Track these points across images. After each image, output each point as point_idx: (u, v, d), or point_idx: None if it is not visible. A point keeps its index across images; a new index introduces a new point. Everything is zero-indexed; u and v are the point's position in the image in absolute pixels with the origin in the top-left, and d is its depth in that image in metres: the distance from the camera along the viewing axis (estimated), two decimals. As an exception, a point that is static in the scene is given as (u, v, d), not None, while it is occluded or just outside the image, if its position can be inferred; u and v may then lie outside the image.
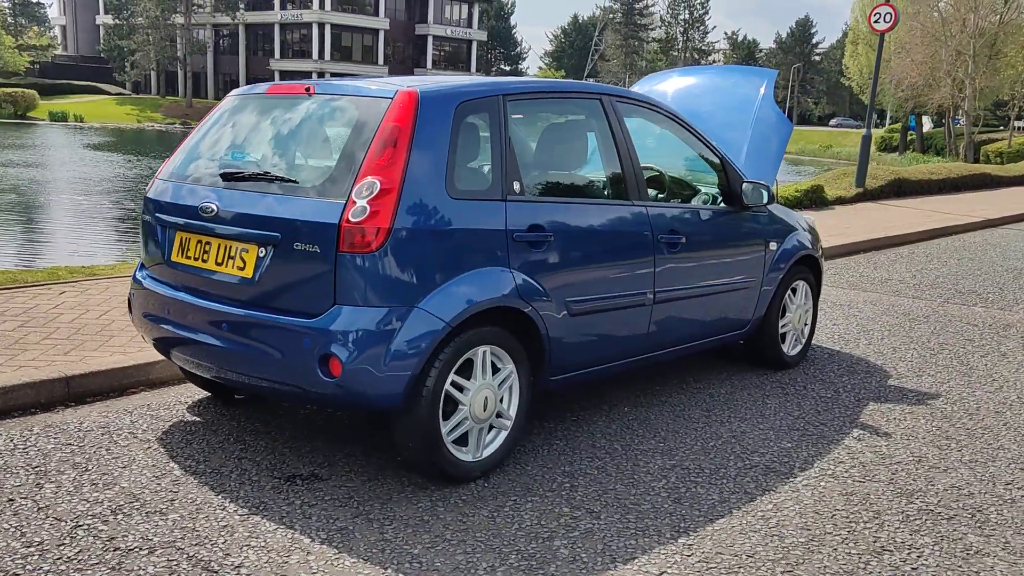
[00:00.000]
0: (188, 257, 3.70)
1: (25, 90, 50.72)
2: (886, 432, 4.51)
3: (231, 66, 67.89)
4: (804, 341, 5.73)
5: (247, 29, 67.31)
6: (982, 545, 3.33)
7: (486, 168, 3.70)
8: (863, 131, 17.57)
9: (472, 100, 3.71)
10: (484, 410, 3.62)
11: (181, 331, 3.69)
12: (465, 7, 75.87)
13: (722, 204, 5.03)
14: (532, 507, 3.45)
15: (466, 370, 3.58)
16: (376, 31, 68.12)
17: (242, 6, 64.90)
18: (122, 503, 3.28)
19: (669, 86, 6.27)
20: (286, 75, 64.65)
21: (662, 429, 4.39)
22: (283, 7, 66.14)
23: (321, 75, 63.14)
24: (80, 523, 3.11)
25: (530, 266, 3.74)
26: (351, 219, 3.25)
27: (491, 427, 3.74)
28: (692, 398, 4.91)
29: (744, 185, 4.96)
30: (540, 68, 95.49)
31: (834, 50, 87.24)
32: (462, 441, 3.62)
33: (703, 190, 5.13)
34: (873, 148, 40.58)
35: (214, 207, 3.59)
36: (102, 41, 66.61)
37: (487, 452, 3.70)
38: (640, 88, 6.38)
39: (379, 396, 3.34)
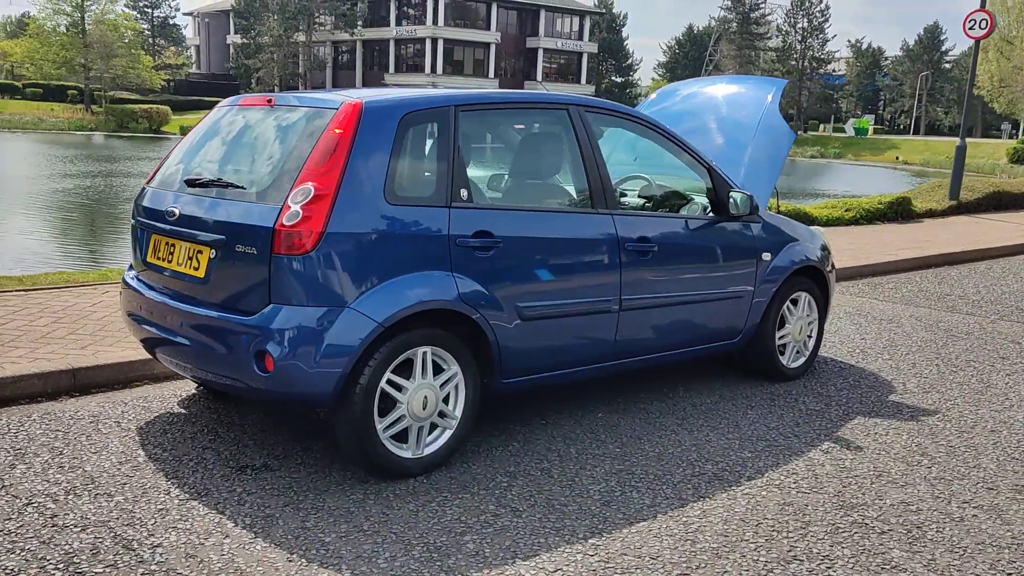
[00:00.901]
0: (159, 258, 4.00)
1: (159, 106, 53.84)
2: (858, 446, 4.42)
3: (349, 81, 70.22)
4: (808, 354, 5.64)
5: (364, 45, 69.60)
6: (903, 561, 3.26)
7: (430, 176, 3.86)
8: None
9: (419, 111, 3.88)
10: (424, 409, 3.78)
11: (157, 330, 3.98)
12: (576, 20, 76.21)
13: (710, 213, 5.03)
14: (459, 504, 3.58)
15: (407, 369, 3.75)
16: (487, 45, 69.22)
17: (360, 23, 67.15)
18: (78, 485, 3.58)
19: (680, 95, 6.29)
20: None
21: (626, 435, 4.44)
22: (398, 23, 68.06)
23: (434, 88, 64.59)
24: (32, 501, 3.42)
25: (476, 271, 3.87)
26: (285, 223, 3.47)
27: (435, 426, 3.88)
28: (672, 406, 4.92)
29: (731, 194, 4.94)
30: (653, 79, 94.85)
31: (965, 57, 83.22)
32: (402, 438, 3.78)
33: (696, 200, 5.14)
34: (1004, 159, 38.55)
35: (177, 211, 3.88)
36: (231, 60, 70.18)
37: (429, 450, 3.85)
38: (655, 98, 6.42)
39: (310, 392, 3.54)
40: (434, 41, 66.36)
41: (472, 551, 3.20)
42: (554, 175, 4.59)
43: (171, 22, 76.76)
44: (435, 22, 66.25)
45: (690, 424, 4.65)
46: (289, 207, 3.49)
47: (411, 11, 68.49)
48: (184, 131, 53.67)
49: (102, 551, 3.07)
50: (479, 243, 3.89)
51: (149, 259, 4.08)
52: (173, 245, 3.91)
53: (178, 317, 3.82)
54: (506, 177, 4.33)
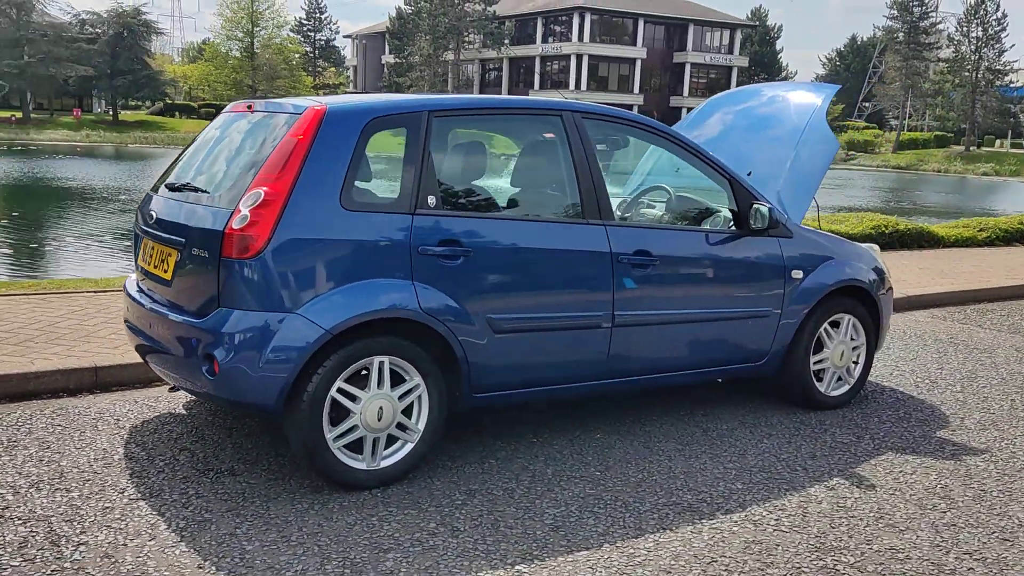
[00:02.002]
0: (145, 261, 4.11)
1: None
2: (872, 485, 4.01)
3: (495, 98, 71.51)
4: (852, 381, 5.19)
5: (511, 63, 70.63)
6: (859, 615, 2.91)
7: (395, 182, 3.79)
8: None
9: (386, 116, 3.82)
10: (379, 420, 3.69)
11: (143, 337, 4.05)
12: (727, 33, 74.57)
13: (733, 227, 4.72)
14: (400, 520, 3.47)
15: (366, 378, 3.68)
16: (633, 60, 68.75)
17: (507, 41, 68.21)
18: (46, 479, 3.69)
19: (730, 102, 5.97)
20: (545, 106, 67.02)
21: (615, 458, 4.20)
22: (544, 40, 68.70)
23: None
24: (-5, 492, 3.57)
25: (440, 280, 3.76)
26: (234, 226, 3.47)
27: (394, 439, 3.79)
28: (680, 430, 4.63)
29: (754, 206, 4.62)
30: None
31: None
32: (357, 448, 3.71)
33: (722, 213, 4.83)
34: None
35: (154, 214, 3.98)
36: (383, 79, 72.90)
37: (386, 463, 3.76)
38: (704, 108, 6.11)
39: (254, 398, 3.53)
40: (579, 57, 66.54)
41: (388, 569, 3.09)
42: (542, 184, 4.42)
43: (332, 44, 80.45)
44: (580, 38, 66.44)
45: (691, 450, 4.36)
46: (239, 211, 3.50)
47: (557, 28, 69.01)
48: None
49: (29, 545, 3.14)
50: (445, 252, 3.78)
51: (139, 261, 4.20)
52: (152, 248, 4.01)
53: (152, 320, 3.90)
54: (480, 185, 4.19)
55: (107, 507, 3.47)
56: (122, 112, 57.97)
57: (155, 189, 4.27)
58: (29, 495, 3.54)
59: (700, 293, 4.57)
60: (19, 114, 51.84)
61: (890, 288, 5.38)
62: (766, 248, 4.76)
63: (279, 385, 3.49)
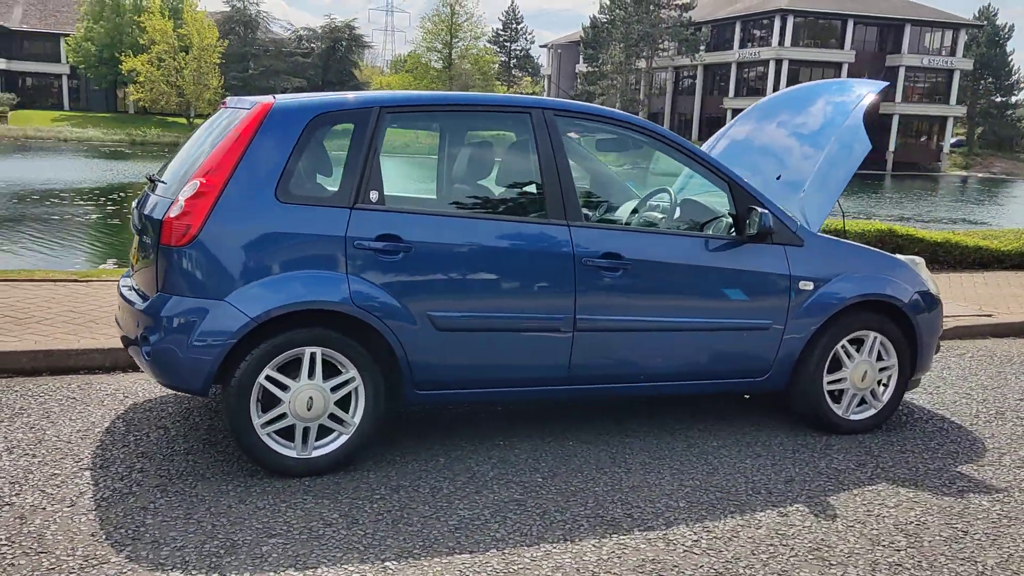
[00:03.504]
0: (132, 254, 4.40)
1: (507, 132, 57.96)
2: (836, 515, 3.65)
3: (687, 106, 70.08)
4: (880, 406, 4.73)
5: (705, 70, 69.05)
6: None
7: (336, 176, 3.85)
8: None
9: (332, 112, 3.90)
10: (308, 410, 3.77)
11: (119, 325, 4.30)
12: (948, 33, 69.28)
13: (733, 232, 4.44)
14: (307, 508, 3.52)
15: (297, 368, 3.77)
16: (839, 64, 65.31)
17: (702, 48, 66.82)
18: (24, 445, 4.03)
19: (778, 103, 5.59)
20: (738, 113, 65.12)
21: (567, 467, 4.06)
22: (742, 46, 66.70)
23: (775, 112, 62.49)
24: (-32, 449, 3.94)
25: (376, 274, 3.79)
26: (171, 215, 3.66)
27: (329, 430, 3.85)
28: (664, 442, 4.40)
29: (752, 211, 4.32)
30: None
31: None
32: (289, 436, 3.80)
33: (727, 218, 4.54)
34: None
35: (136, 209, 4.26)
36: (577, 88, 73.42)
37: (318, 452, 3.83)
38: (749, 111, 5.77)
39: (182, 380, 3.70)
40: (778, 63, 64.03)
41: (261, 553, 3.15)
42: (503, 181, 4.34)
43: (529, 54, 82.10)
44: (781, 43, 63.92)
45: (657, 464, 4.13)
46: (177, 201, 3.69)
47: (757, 32, 66.78)
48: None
49: (-37, 512, 3.45)
50: (384, 247, 3.80)
51: (130, 256, 4.51)
52: (135, 240, 4.29)
53: (123, 309, 4.12)
54: (431, 182, 4.17)
55: (54, 474, 3.75)
56: (330, 120, 61.92)
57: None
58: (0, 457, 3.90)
59: (683, 301, 4.32)
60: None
61: (937, 306, 4.84)
62: (768, 256, 4.43)
63: (205, 369, 3.64)
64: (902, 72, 68.43)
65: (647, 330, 4.27)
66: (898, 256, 4.89)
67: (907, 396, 5.37)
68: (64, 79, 63.48)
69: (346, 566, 3.09)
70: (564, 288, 4.07)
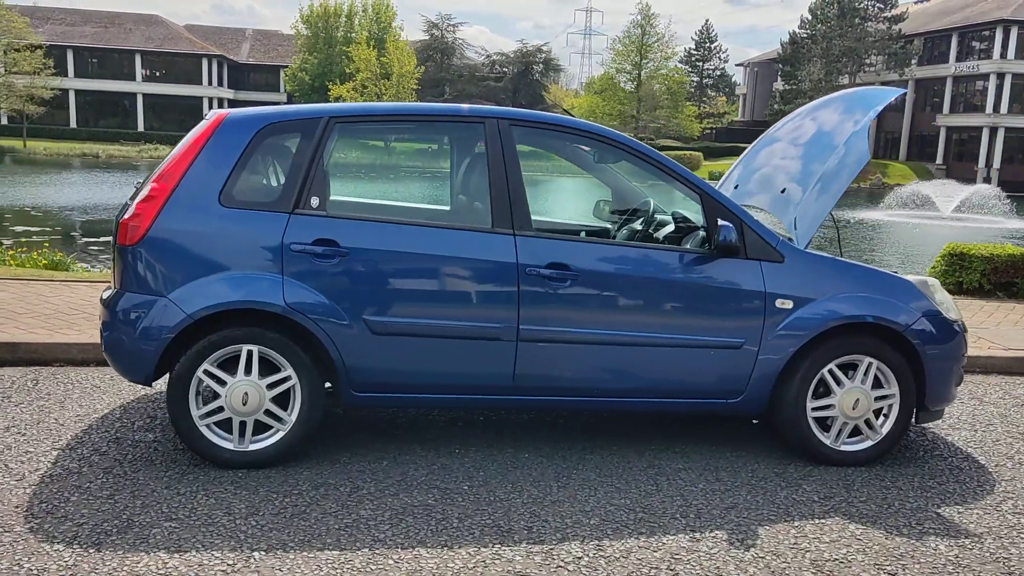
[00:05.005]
0: None
1: (692, 152, 56.96)
2: (751, 545, 3.40)
3: (894, 124, 65.94)
4: (876, 438, 4.32)
5: (916, 84, 64.83)
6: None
7: (278, 183, 4.02)
8: None
9: (281, 123, 4.08)
10: (243, 405, 3.94)
11: None
12: None
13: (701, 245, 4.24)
14: (219, 498, 3.67)
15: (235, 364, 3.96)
16: (1070, 78, 59.44)
17: (913, 62, 62.85)
18: (17, 429, 4.39)
19: (800, 115, 5.25)
20: (953, 131, 60.55)
21: (508, 479, 3.99)
22: (959, 59, 62.09)
23: (993, 130, 57.69)
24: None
25: (312, 277, 3.92)
26: (125, 218, 3.97)
27: (266, 426, 4.01)
28: (623, 461, 4.24)
29: (721, 223, 4.11)
30: None
31: None
32: (228, 429, 3.99)
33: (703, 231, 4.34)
34: None
35: None
36: (772, 107, 71.03)
37: (255, 446, 3.99)
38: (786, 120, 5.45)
39: (127, 372, 3.98)
40: (1000, 77, 59.03)
41: (148, 535, 3.31)
42: (453, 191, 4.33)
43: (725, 73, 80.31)
44: (1003, 55, 58.97)
45: (599, 483, 3.99)
46: (130, 205, 3.99)
47: (976, 44, 61.97)
48: (713, 177, 56.04)
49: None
50: (320, 251, 3.93)
51: None
52: None
53: None
54: (389, 190, 4.23)
55: (28, 451, 4.10)
56: (521, 143, 63.47)
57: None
58: (-12, 434, 4.34)
59: (640, 315, 4.15)
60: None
61: (952, 332, 4.36)
62: (740, 272, 4.18)
63: (146, 361, 3.90)
64: None
65: (599, 343, 4.14)
66: (906, 276, 4.45)
67: (940, 431, 4.86)
68: (282, 106, 68.86)
69: (214, 552, 3.21)
70: (506, 297, 4.03)
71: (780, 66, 68.90)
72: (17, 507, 3.52)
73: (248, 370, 3.95)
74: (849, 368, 4.30)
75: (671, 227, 4.66)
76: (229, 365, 3.96)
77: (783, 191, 4.72)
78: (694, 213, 4.52)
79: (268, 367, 3.98)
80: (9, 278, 7.68)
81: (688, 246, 4.33)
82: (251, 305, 3.89)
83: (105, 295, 4.22)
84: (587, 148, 5.06)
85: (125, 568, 3.08)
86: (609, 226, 5.21)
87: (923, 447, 4.67)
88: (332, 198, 4.06)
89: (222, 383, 3.94)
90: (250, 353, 3.94)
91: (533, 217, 4.18)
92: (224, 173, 3.96)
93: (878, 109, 4.55)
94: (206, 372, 3.93)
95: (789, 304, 4.19)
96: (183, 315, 3.86)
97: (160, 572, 3.06)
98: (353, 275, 3.96)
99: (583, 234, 5.15)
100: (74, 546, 3.22)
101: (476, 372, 4.11)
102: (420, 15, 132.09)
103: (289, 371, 3.97)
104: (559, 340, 4.10)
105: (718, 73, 78.58)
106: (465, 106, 4.28)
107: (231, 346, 3.93)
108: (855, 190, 49.85)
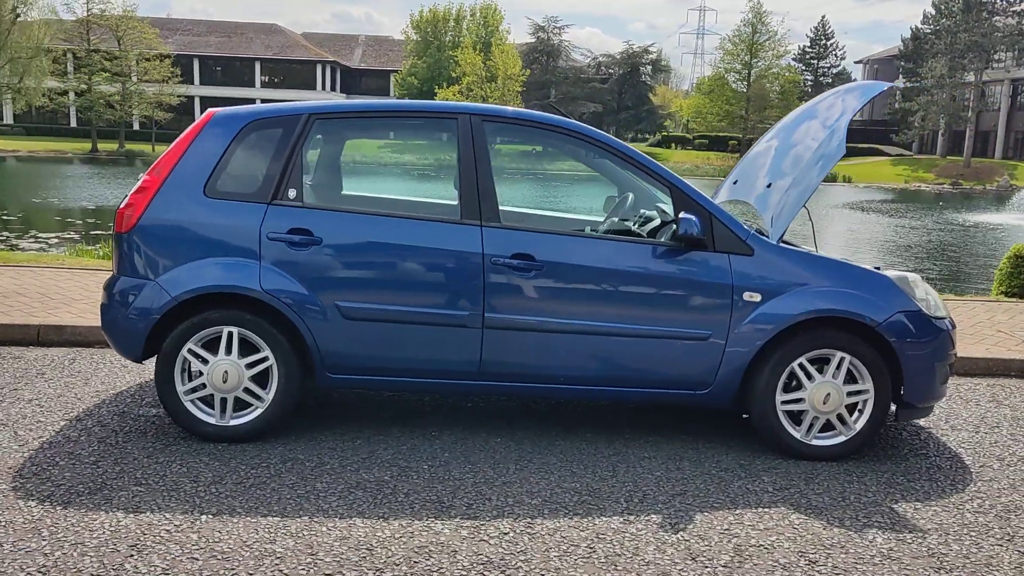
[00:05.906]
0: None
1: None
2: (695, 534, 3.44)
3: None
4: (850, 434, 4.26)
5: (1048, 81, 61.20)
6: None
7: (259, 175, 4.27)
8: None
9: (265, 119, 4.33)
10: (224, 383, 4.21)
11: None
12: None
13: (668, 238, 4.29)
14: (191, 467, 3.93)
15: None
16: None
17: (1048, 56, 59.38)
18: (38, 402, 4.79)
19: (802, 112, 5.18)
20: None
21: (473, 460, 4.13)
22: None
23: None
24: (-1, 396, 4.84)
25: (287, 264, 4.16)
26: (122, 207, 4.31)
27: (246, 403, 4.27)
28: (594, 448, 4.32)
29: (683, 215, 4.15)
30: None
31: None
32: (211, 404, 4.27)
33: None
34: None
35: None
36: (891, 105, 68.28)
37: (235, 422, 4.26)
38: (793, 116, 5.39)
39: (122, 348, 4.30)
40: None
41: (115, 497, 3.58)
42: (425, 184, 4.47)
43: (841, 71, 77.55)
44: None
45: (557, 467, 4.08)
46: (127, 196, 4.33)
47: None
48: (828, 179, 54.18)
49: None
50: (295, 239, 4.17)
51: None
52: None
53: None
54: (364, 183, 4.42)
55: (39, 421, 4.48)
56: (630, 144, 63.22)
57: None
58: None
59: (604, 305, 4.22)
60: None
61: (932, 328, 4.25)
62: (707, 264, 4.20)
63: (137, 340, 4.23)
64: None
65: (564, 332, 4.22)
66: (883, 272, 4.35)
67: (939, 430, 4.72)
68: (392, 110, 70.65)
69: (166, 513, 3.47)
70: (472, 286, 4.17)
71: (901, 63, 66.23)
72: (10, 468, 3.88)
73: (229, 350, 4.22)
74: (822, 363, 4.25)
75: (656, 222, 4.71)
76: (213, 345, 4.24)
77: (768, 186, 4.70)
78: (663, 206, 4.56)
79: (248, 348, 4.24)
80: (78, 268, 8.29)
81: (662, 239, 4.37)
82: (231, 289, 4.16)
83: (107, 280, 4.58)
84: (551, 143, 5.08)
85: (83, 524, 3.37)
86: (616, 221, 5.27)
87: (910, 445, 4.56)
88: (306, 190, 4.29)
89: (205, 362, 4.22)
90: (231, 334, 4.21)
91: (547, 213, 4.31)
92: (210, 166, 4.24)
93: (861, 103, 4.48)
94: (190, 351, 4.22)
95: (757, 297, 4.18)
96: (168, 297, 4.16)
97: (111, 529, 3.34)
98: (326, 262, 4.18)
99: (587, 229, 5.23)
100: (45, 504, 3.54)
101: (444, 358, 4.27)
102: (527, 18, 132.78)
103: (267, 352, 4.22)
104: (524, 328, 4.21)
105: (835, 71, 76.01)
106: (437, 102, 4.44)
107: (213, 327, 4.21)
108: (980, 191, 47.44)
